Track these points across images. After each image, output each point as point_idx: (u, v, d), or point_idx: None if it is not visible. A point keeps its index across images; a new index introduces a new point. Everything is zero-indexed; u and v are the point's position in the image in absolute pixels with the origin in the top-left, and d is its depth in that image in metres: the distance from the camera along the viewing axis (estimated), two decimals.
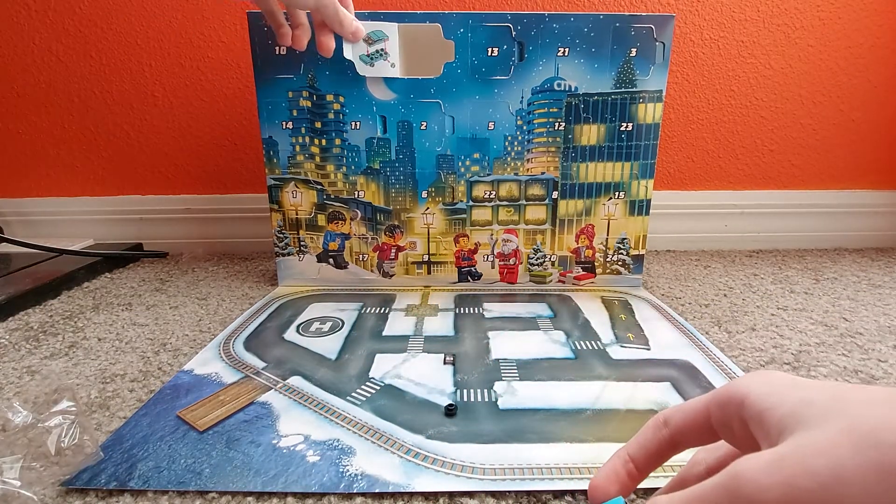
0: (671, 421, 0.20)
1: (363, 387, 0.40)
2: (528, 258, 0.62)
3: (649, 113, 0.56)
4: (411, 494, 0.29)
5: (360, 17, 0.53)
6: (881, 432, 0.13)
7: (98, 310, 0.56)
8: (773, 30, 0.74)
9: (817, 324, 0.52)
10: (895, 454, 0.13)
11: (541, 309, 0.55)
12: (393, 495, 0.29)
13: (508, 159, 0.58)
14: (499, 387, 0.39)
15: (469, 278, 0.62)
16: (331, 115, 0.57)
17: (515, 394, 0.38)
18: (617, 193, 0.59)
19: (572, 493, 0.29)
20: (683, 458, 0.23)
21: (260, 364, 0.43)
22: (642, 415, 0.36)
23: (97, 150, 0.79)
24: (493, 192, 0.59)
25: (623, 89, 0.55)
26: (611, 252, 0.61)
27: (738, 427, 0.18)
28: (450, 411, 0.36)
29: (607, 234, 0.61)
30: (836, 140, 0.79)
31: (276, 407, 0.37)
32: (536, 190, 0.59)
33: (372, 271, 0.62)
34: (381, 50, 0.51)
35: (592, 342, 0.47)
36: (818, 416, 0.15)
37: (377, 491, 0.29)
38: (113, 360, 0.45)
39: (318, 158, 0.58)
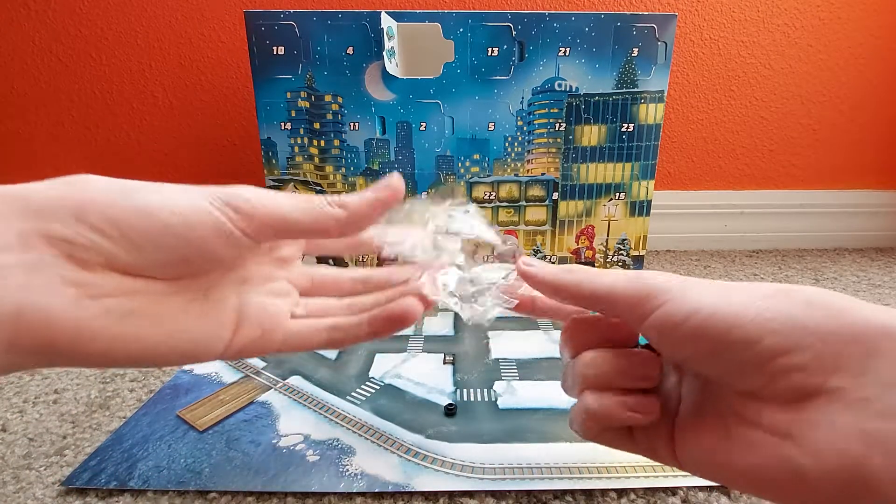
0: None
1: (363, 386, 0.40)
2: None
3: (650, 113, 0.56)
4: (411, 494, 0.29)
5: (363, 15, 0.53)
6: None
7: None
8: (773, 30, 0.74)
9: None
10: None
11: None
12: (393, 495, 0.29)
13: (508, 160, 0.58)
14: (498, 386, 0.39)
15: None
16: (329, 116, 0.57)
17: (515, 393, 0.38)
18: (617, 194, 0.59)
19: (572, 492, 0.29)
20: None
21: (260, 363, 0.43)
22: None
23: (97, 150, 0.78)
24: (493, 193, 0.59)
25: (624, 90, 0.55)
26: (611, 253, 0.61)
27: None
28: (450, 411, 0.36)
29: (607, 235, 0.60)
30: (836, 140, 0.79)
31: (275, 406, 0.37)
32: (537, 191, 0.59)
33: None
34: (394, 48, 0.50)
35: None
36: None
37: (377, 490, 0.29)
38: None
39: (317, 159, 0.58)
